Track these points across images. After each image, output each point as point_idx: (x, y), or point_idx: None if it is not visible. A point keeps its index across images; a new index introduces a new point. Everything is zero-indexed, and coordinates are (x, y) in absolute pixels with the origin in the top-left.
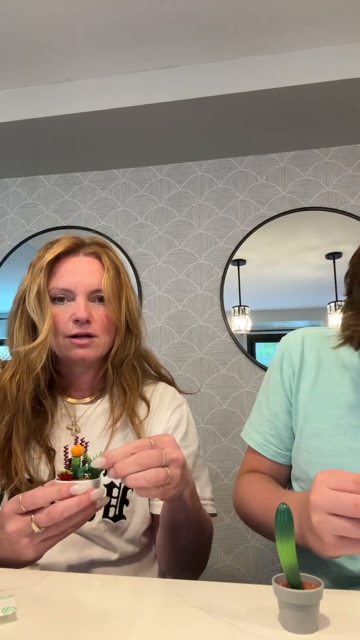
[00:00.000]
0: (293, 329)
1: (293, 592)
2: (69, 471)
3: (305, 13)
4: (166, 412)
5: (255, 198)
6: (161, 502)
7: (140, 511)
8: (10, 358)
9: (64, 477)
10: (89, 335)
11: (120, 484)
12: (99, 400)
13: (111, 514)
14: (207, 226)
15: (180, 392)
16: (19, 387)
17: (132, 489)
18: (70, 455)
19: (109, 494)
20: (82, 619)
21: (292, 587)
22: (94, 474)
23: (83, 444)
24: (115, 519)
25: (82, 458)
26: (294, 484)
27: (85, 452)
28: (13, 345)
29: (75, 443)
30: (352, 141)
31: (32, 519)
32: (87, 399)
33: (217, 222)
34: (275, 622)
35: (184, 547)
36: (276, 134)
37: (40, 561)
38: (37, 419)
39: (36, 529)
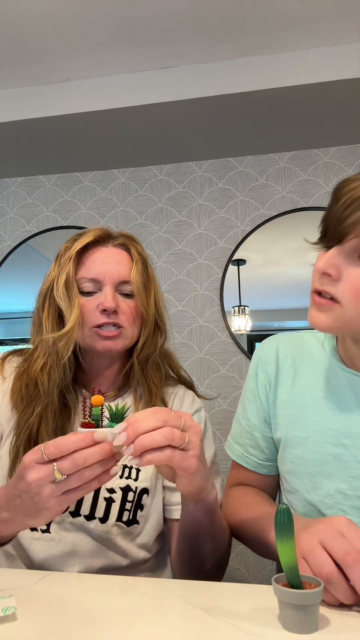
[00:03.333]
0: (293, 329)
1: (293, 592)
2: (91, 420)
3: (305, 13)
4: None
5: (255, 198)
6: (180, 507)
7: (154, 517)
8: (30, 348)
9: (86, 426)
10: (115, 326)
11: (136, 487)
12: (121, 398)
13: (125, 518)
14: (207, 226)
15: (199, 396)
16: (50, 377)
17: (147, 494)
18: (89, 405)
19: (124, 497)
20: (82, 619)
21: (292, 587)
22: (118, 418)
23: (102, 394)
24: (129, 523)
25: (102, 408)
26: (282, 494)
27: (105, 401)
28: (42, 335)
29: (93, 393)
30: (352, 141)
31: (54, 466)
32: (109, 395)
33: (217, 222)
34: (275, 622)
35: (205, 555)
36: (276, 134)
37: (49, 565)
38: (62, 414)
39: (59, 477)
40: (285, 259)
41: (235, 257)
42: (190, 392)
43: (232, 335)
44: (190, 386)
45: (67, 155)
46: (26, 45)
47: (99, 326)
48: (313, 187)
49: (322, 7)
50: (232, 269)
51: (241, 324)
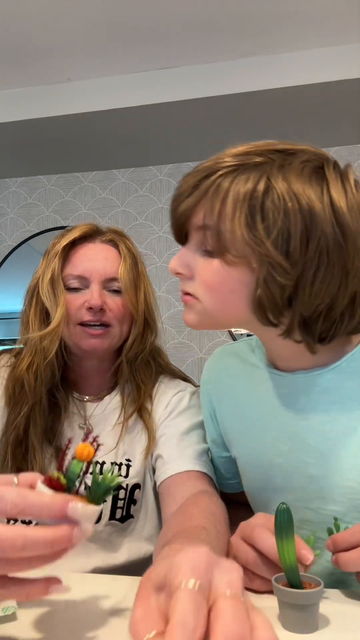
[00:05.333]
0: None
1: (293, 592)
2: (62, 477)
3: (305, 13)
4: (168, 395)
5: None
6: (173, 466)
7: (149, 506)
8: (22, 347)
9: (52, 483)
10: (103, 325)
11: (127, 485)
12: (109, 397)
13: (118, 515)
14: None
15: (188, 381)
16: (36, 377)
17: (138, 488)
18: (70, 455)
19: (116, 496)
20: (83, 619)
21: (292, 586)
22: (99, 495)
23: (94, 444)
24: (123, 519)
25: (87, 465)
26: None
27: (94, 456)
28: (28, 334)
29: (85, 440)
30: (352, 141)
31: None
32: (98, 396)
33: None
34: (275, 622)
35: None
36: (276, 134)
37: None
38: (51, 414)
39: None
40: None
41: None
42: (177, 380)
43: (232, 336)
44: (182, 378)
45: (67, 155)
46: (27, 46)
47: (85, 324)
48: None
49: (322, 7)
50: None
51: None
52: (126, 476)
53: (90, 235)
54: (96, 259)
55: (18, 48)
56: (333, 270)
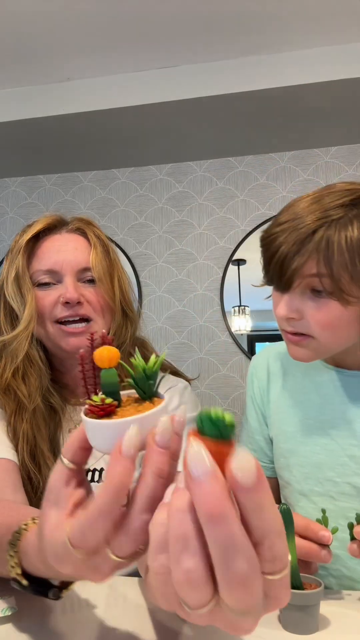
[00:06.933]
0: None
1: (294, 593)
2: (106, 398)
3: (305, 13)
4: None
5: (255, 198)
6: None
7: None
8: None
9: (102, 409)
10: (83, 320)
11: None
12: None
13: None
14: (207, 226)
15: (179, 376)
16: (25, 382)
17: None
18: (90, 366)
19: None
20: (82, 619)
21: (293, 587)
22: (153, 385)
23: (111, 341)
24: None
25: (118, 368)
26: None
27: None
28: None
29: (93, 343)
30: (352, 141)
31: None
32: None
33: (217, 222)
34: (275, 622)
35: None
36: (276, 134)
37: None
38: (52, 420)
39: (114, 557)
40: None
41: (235, 257)
42: (167, 375)
43: (233, 336)
44: (173, 372)
45: (67, 154)
46: (27, 45)
47: (63, 322)
48: (314, 187)
49: (322, 7)
50: (232, 268)
51: (241, 324)
52: None
53: (55, 226)
54: (65, 250)
55: (18, 47)
56: None
